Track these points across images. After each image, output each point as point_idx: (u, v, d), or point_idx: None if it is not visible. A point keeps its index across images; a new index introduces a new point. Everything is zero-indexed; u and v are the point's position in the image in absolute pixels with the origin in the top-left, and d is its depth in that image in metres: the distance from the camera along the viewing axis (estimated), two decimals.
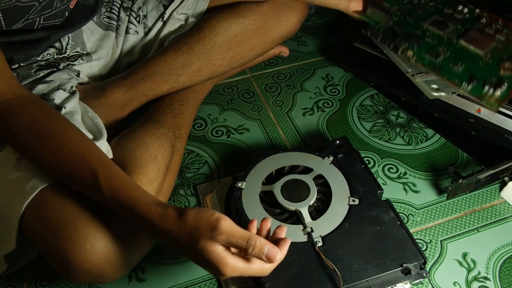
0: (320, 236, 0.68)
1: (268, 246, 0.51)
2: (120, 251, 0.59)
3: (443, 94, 0.86)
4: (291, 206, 0.71)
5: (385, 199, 0.74)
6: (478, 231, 0.77)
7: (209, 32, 0.87)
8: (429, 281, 0.70)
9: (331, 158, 0.79)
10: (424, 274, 0.66)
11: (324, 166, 0.78)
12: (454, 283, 0.70)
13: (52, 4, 0.70)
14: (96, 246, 0.57)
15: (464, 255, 0.74)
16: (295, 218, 0.71)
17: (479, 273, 0.71)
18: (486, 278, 0.71)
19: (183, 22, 0.91)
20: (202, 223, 0.51)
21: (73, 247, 0.57)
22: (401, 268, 0.65)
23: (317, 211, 0.72)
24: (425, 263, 0.66)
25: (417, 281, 0.67)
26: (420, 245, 0.71)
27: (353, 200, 0.73)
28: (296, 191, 0.73)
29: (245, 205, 0.72)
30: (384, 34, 0.92)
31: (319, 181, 0.76)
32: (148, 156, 0.70)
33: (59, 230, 0.58)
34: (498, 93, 0.82)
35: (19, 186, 0.61)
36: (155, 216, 0.53)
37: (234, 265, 0.51)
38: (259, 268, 0.53)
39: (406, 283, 0.66)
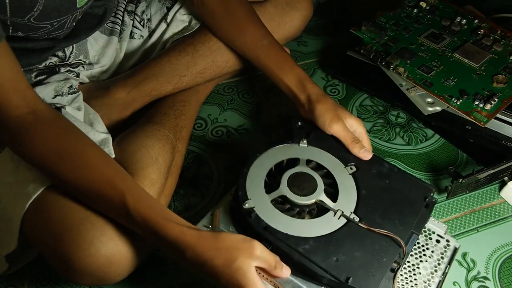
0: (351, 212, 0.65)
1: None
2: (125, 254, 0.59)
3: (438, 108, 0.87)
4: (310, 199, 0.66)
5: None
6: (478, 231, 0.77)
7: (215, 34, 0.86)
8: None
9: (305, 140, 0.73)
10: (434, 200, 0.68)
11: (304, 150, 0.73)
12: (454, 283, 0.70)
13: (64, 25, 0.69)
14: (101, 250, 0.57)
15: (464, 255, 0.74)
16: (315, 210, 0.67)
17: (478, 273, 0.71)
18: (485, 278, 0.71)
19: (187, 24, 0.90)
20: (240, 244, 0.53)
21: (78, 251, 0.57)
22: (425, 203, 0.67)
23: (329, 193, 0.68)
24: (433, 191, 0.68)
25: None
26: None
27: (351, 168, 0.71)
28: (304, 184, 0.67)
29: (268, 221, 0.63)
30: (376, 52, 0.92)
31: (310, 165, 0.71)
32: (149, 158, 0.70)
33: (63, 233, 0.58)
34: (488, 106, 0.82)
35: (21, 186, 0.61)
36: (188, 238, 0.54)
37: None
38: None
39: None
